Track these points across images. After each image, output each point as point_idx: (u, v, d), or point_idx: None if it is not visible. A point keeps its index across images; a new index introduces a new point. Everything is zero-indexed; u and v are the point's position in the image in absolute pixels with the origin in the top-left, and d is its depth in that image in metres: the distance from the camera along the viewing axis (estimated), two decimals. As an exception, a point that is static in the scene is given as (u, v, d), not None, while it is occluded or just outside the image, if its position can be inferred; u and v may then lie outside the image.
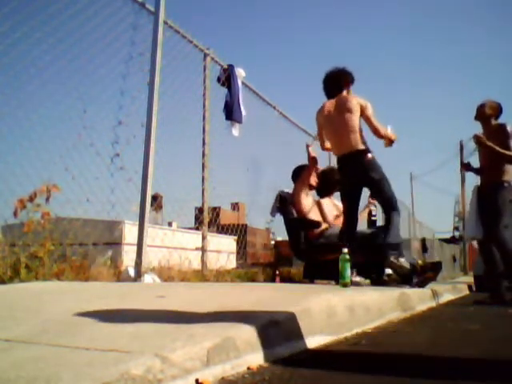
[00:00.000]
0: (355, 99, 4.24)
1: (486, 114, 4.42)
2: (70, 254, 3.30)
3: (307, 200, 5.12)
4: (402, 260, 4.08)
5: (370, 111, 4.17)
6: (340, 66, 4.48)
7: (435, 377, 1.30)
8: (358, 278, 3.92)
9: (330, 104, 4.33)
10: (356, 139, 4.16)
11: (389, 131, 4.27)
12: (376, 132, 4.19)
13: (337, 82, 4.38)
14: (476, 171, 4.71)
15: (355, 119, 4.16)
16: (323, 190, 5.57)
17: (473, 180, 4.89)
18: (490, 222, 4.24)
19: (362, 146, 4.15)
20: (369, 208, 5.49)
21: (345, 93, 4.33)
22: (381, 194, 4.26)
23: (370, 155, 4.13)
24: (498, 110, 4.48)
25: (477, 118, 4.51)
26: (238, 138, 5.24)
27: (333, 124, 4.27)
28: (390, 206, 4.17)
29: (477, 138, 4.38)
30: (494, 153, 4.25)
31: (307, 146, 5.27)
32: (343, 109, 4.23)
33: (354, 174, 4.22)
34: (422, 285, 4.10)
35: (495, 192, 4.24)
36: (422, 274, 4.21)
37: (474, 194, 4.55)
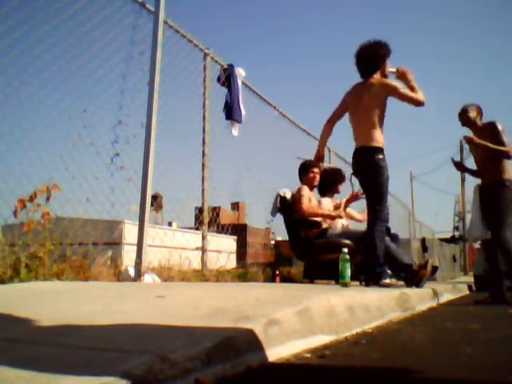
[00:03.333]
0: (380, 84, 3.95)
1: (472, 118, 4.43)
2: (70, 254, 3.29)
3: (312, 201, 5.13)
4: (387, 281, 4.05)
5: (400, 90, 3.90)
6: (375, 40, 4.08)
7: (436, 377, 1.30)
8: (388, 280, 3.90)
9: (360, 88, 4.07)
10: (370, 134, 3.94)
11: (403, 71, 3.98)
12: (420, 105, 3.90)
13: (370, 60, 4.03)
14: (471, 172, 4.69)
15: (377, 110, 3.93)
16: (324, 190, 5.58)
17: (472, 180, 4.88)
18: (494, 223, 4.21)
19: (374, 144, 3.93)
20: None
21: (377, 75, 4.00)
22: (371, 198, 4.04)
23: (378, 156, 3.92)
24: (480, 110, 4.50)
25: (464, 124, 4.51)
26: (238, 137, 5.24)
27: (357, 113, 4.06)
28: (372, 216, 3.96)
29: (467, 139, 4.37)
30: (488, 150, 4.22)
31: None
32: (366, 97, 3.98)
33: (357, 169, 4.13)
34: (418, 284, 4.09)
35: (497, 192, 4.21)
36: (416, 273, 4.20)
37: (476, 193, 4.54)
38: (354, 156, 4.12)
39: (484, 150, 4.28)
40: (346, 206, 5.52)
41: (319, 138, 4.46)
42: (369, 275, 3.91)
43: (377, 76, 4.01)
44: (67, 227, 3.40)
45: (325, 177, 5.55)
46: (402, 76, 4.01)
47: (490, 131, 4.31)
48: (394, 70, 4.08)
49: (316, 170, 5.29)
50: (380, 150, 3.94)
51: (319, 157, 4.46)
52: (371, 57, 4.02)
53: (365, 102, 3.98)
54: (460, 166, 4.88)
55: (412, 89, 3.92)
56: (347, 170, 6.10)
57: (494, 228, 4.23)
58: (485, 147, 4.25)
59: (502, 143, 4.22)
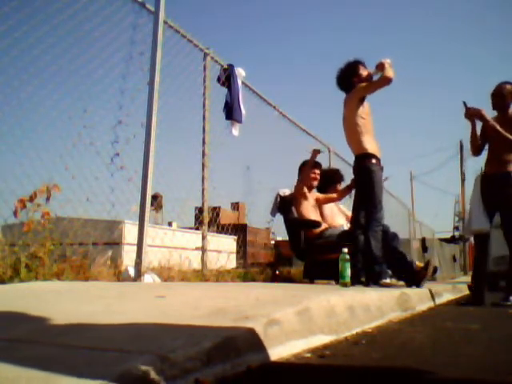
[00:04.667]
0: (350, 93, 4.19)
1: (507, 103, 4.03)
2: (70, 254, 3.29)
3: (307, 201, 5.12)
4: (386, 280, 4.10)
5: (368, 86, 4.14)
6: (341, 65, 4.37)
7: (436, 377, 1.30)
8: (388, 280, 3.91)
9: None
10: (357, 142, 4.13)
11: (384, 62, 4.08)
12: (389, 82, 4.02)
13: (344, 81, 4.32)
14: (473, 132, 4.16)
15: (354, 119, 4.12)
16: (324, 190, 5.59)
17: (472, 180, 4.62)
18: (508, 222, 3.92)
19: (362, 151, 4.10)
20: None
21: (358, 86, 4.19)
22: (363, 203, 4.12)
23: (370, 161, 4.05)
24: None
25: (495, 108, 4.08)
26: (238, 137, 5.24)
27: (343, 124, 4.32)
28: (367, 217, 4.02)
29: (476, 113, 3.97)
30: (497, 132, 3.90)
31: (315, 152, 5.17)
32: (345, 109, 4.26)
33: (354, 177, 4.32)
34: (419, 284, 4.09)
35: (505, 185, 3.90)
36: (417, 273, 4.20)
37: (477, 184, 4.18)
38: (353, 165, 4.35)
39: (497, 135, 3.92)
40: (344, 192, 5.49)
41: None
42: (368, 275, 3.92)
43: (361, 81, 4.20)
44: (67, 227, 3.40)
45: (324, 177, 5.56)
46: (381, 67, 4.11)
47: None
48: (373, 70, 4.24)
49: (317, 171, 5.29)
50: (369, 156, 4.08)
51: None
52: (343, 78, 4.32)
53: (344, 116, 4.28)
54: (469, 114, 4.10)
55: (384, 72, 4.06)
56: (347, 171, 6.11)
57: (507, 223, 3.91)
58: (493, 128, 3.90)
59: None
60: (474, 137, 4.20)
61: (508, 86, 4.05)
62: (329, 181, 5.59)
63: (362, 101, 4.15)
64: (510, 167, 3.94)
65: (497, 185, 3.96)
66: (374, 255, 3.88)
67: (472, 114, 4.08)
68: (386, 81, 4.03)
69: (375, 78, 4.23)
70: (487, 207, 4.04)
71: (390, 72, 4.02)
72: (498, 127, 3.91)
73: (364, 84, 4.15)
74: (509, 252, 3.94)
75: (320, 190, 5.63)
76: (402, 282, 4.40)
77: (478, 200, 4.12)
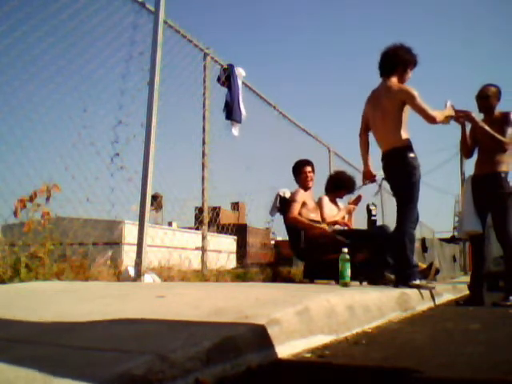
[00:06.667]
0: (398, 88, 3.78)
1: (493, 105, 4.05)
2: (70, 254, 3.29)
3: (306, 204, 5.10)
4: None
5: (416, 100, 3.68)
6: (403, 44, 3.91)
7: (436, 377, 1.30)
8: (417, 281, 3.82)
9: (377, 92, 3.94)
10: (395, 135, 3.78)
11: (448, 106, 3.89)
12: (430, 122, 3.72)
13: (389, 60, 3.88)
14: (463, 135, 4.17)
15: (396, 112, 3.76)
16: (330, 190, 5.59)
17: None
18: (500, 223, 3.89)
19: (400, 144, 3.76)
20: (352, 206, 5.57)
21: (394, 79, 3.83)
22: (401, 199, 3.85)
23: (409, 155, 3.74)
24: (499, 95, 4.10)
25: (481, 111, 4.10)
26: (238, 137, 5.24)
27: (375, 117, 3.94)
28: (402, 221, 3.77)
29: (468, 116, 3.96)
30: (487, 135, 3.90)
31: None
32: (384, 99, 3.84)
33: (388, 172, 3.95)
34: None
35: (495, 185, 3.89)
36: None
37: (468, 185, 4.16)
38: (383, 161, 3.94)
39: (487, 137, 3.93)
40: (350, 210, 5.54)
41: (361, 156, 4.24)
42: (399, 276, 3.82)
43: (394, 80, 3.84)
44: (67, 227, 3.41)
45: (337, 178, 5.57)
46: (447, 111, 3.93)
47: (502, 120, 3.96)
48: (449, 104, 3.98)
49: (308, 168, 5.20)
50: (409, 149, 3.77)
51: (367, 172, 4.23)
52: (391, 56, 3.90)
53: (383, 105, 3.85)
54: (458, 116, 4.07)
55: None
56: (354, 175, 6.10)
57: (500, 228, 3.90)
58: (484, 132, 3.91)
59: (503, 133, 3.89)
60: (464, 139, 4.21)
61: (492, 88, 4.09)
62: (339, 184, 5.56)
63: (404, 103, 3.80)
64: (500, 167, 3.92)
65: (487, 185, 3.95)
66: (408, 257, 3.71)
67: (461, 117, 4.08)
68: (429, 117, 3.70)
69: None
70: (479, 208, 4.02)
71: (440, 116, 3.76)
72: (487, 128, 3.92)
73: (417, 99, 3.69)
74: (503, 252, 3.93)
75: (328, 189, 5.65)
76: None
77: (469, 201, 4.09)
